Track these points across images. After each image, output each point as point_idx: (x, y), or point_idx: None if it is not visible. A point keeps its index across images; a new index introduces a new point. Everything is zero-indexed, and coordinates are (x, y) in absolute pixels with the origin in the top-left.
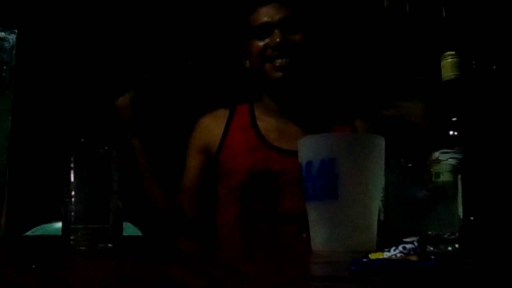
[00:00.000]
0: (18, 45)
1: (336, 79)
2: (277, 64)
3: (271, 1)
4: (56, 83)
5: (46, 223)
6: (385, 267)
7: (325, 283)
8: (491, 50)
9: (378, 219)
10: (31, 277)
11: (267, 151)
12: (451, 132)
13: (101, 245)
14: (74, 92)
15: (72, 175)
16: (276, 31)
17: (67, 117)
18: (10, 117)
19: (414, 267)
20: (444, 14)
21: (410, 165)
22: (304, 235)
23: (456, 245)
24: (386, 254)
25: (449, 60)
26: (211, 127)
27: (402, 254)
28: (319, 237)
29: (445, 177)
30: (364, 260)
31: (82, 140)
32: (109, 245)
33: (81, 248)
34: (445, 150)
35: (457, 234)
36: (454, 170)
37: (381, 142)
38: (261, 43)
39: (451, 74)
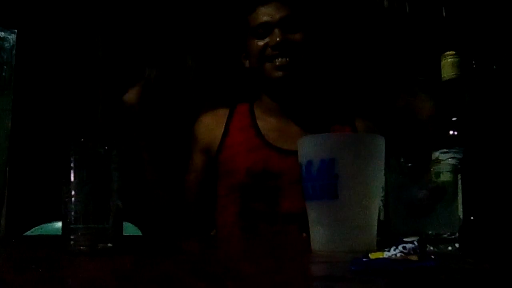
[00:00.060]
0: (18, 45)
1: (336, 79)
2: (277, 64)
3: (271, 0)
4: (56, 83)
5: (46, 223)
6: (385, 267)
7: (325, 283)
8: (491, 50)
9: (378, 219)
10: (31, 277)
11: (267, 151)
12: (451, 132)
13: (101, 245)
14: (74, 92)
15: (72, 175)
16: (276, 30)
17: (67, 117)
18: (10, 117)
19: (414, 267)
20: (444, 14)
21: (410, 165)
22: (304, 234)
23: (456, 245)
24: (386, 254)
25: (449, 60)
26: (212, 127)
27: (402, 254)
28: (319, 237)
29: (445, 177)
30: (364, 260)
31: (82, 140)
32: (109, 245)
33: (81, 248)
34: (445, 150)
35: (457, 234)
36: (454, 170)
37: (381, 142)
38: (261, 43)
39: (451, 74)
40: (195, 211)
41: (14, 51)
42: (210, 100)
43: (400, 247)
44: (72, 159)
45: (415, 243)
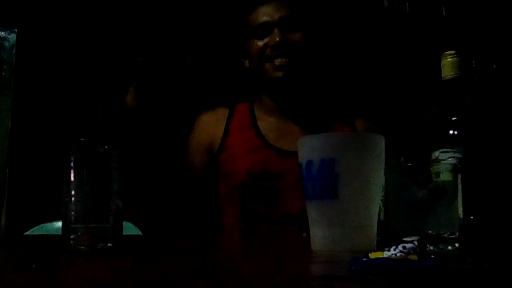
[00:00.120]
0: (18, 44)
1: (336, 79)
2: (277, 64)
3: (270, 0)
4: (56, 83)
5: (46, 222)
6: (385, 267)
7: (325, 283)
8: (491, 50)
9: (378, 218)
10: (31, 277)
11: (267, 151)
12: (451, 132)
13: (101, 244)
14: (74, 92)
15: (72, 175)
16: (276, 30)
17: (67, 117)
18: (10, 117)
19: (414, 266)
20: (444, 14)
21: (410, 165)
22: (304, 234)
23: (456, 245)
24: (386, 254)
25: (449, 59)
26: (212, 126)
27: (402, 254)
28: (319, 237)
29: (445, 176)
30: (364, 259)
31: (82, 140)
32: (109, 244)
33: (81, 247)
34: (445, 150)
35: (457, 234)
36: (454, 170)
37: (381, 142)
38: (260, 43)
39: (451, 73)
40: (198, 207)
41: (14, 51)
42: (210, 100)
43: (400, 247)
44: (72, 158)
45: (415, 243)
